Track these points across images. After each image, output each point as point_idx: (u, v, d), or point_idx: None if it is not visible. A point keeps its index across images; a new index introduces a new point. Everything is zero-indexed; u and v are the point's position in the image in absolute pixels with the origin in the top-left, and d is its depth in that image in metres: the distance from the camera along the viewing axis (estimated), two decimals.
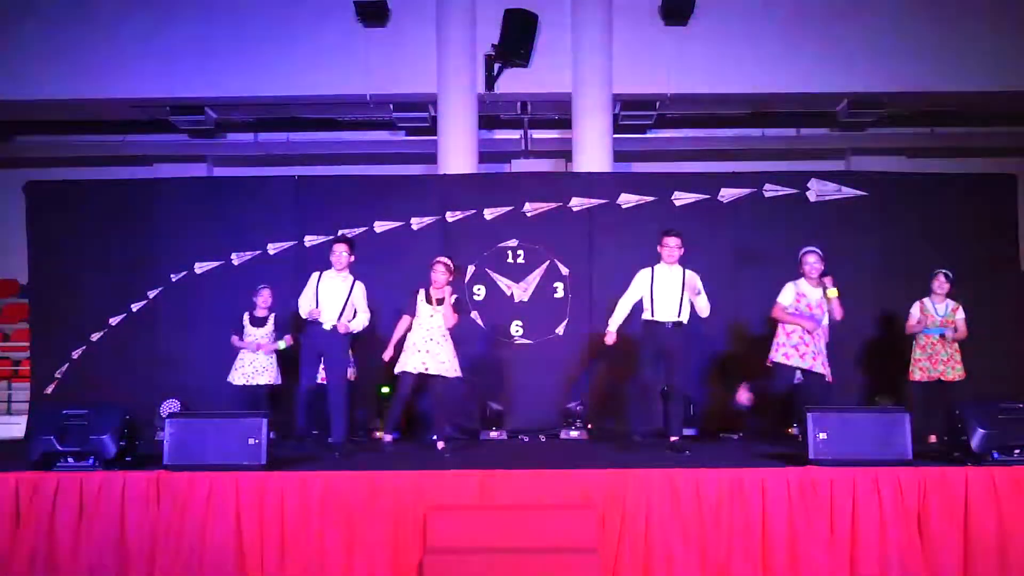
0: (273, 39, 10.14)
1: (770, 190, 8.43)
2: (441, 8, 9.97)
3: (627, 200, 8.41)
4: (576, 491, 5.15)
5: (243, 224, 8.42)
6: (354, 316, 6.67)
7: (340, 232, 7.98)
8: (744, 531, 5.06)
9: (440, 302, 6.57)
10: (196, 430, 5.39)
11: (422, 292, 6.62)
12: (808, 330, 6.33)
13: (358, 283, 6.70)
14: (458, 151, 9.82)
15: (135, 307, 8.41)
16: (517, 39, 9.90)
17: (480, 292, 8.33)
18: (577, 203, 8.42)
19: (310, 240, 8.44)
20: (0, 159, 12.01)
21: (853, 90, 10.26)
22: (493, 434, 7.87)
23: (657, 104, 10.58)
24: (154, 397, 8.03)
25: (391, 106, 10.58)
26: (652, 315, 6.38)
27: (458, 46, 9.95)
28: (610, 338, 6.41)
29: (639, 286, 6.44)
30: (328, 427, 6.65)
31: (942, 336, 6.95)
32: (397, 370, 6.55)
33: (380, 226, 8.41)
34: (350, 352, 7.06)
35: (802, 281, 6.44)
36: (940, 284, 7.09)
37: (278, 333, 7.43)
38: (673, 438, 6.36)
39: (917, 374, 7.02)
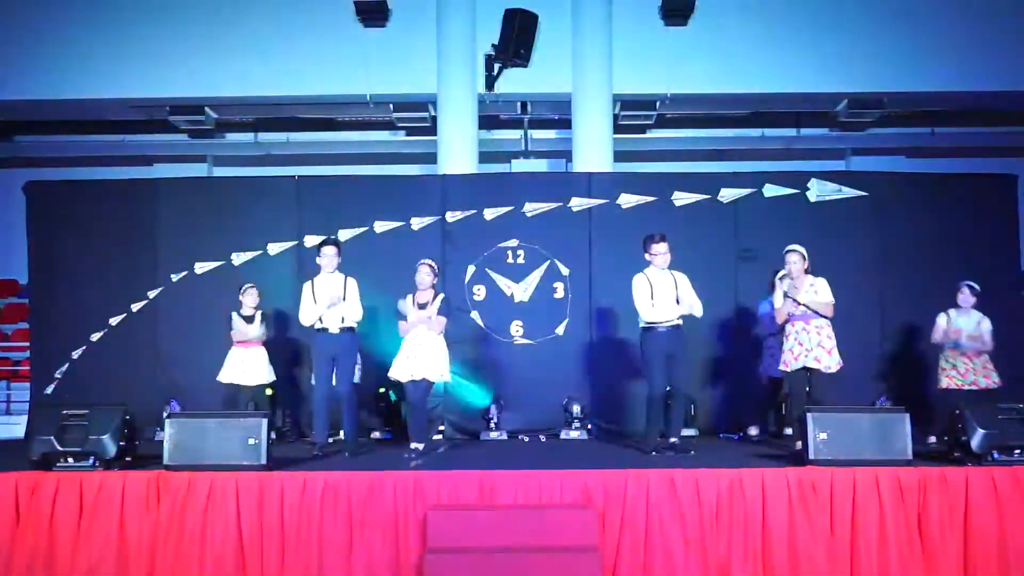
0: (273, 39, 10.13)
1: (770, 190, 8.43)
2: (441, 8, 9.97)
3: (627, 200, 8.40)
4: (576, 491, 5.15)
5: (243, 224, 8.42)
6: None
7: (333, 234, 8.00)
8: (744, 531, 5.06)
9: (424, 306, 6.51)
10: (196, 430, 5.40)
11: (408, 297, 6.58)
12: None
13: (350, 279, 6.67)
14: (458, 151, 9.82)
15: (135, 307, 8.40)
16: (517, 39, 9.89)
17: (480, 292, 8.32)
18: (577, 203, 8.42)
19: (310, 240, 8.43)
20: (0, 159, 12.01)
21: (853, 90, 10.26)
22: (493, 434, 7.87)
23: (657, 104, 10.58)
24: (154, 397, 8.02)
25: (391, 106, 10.58)
26: (653, 321, 6.32)
27: (458, 46, 9.94)
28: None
29: (643, 290, 6.35)
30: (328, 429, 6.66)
31: (955, 347, 6.83)
32: (391, 376, 6.54)
33: (380, 226, 8.41)
34: (358, 355, 7.07)
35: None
36: (964, 297, 6.89)
37: (268, 329, 7.49)
38: (673, 439, 6.35)
39: (944, 382, 6.88)
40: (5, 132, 11.79)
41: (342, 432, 6.75)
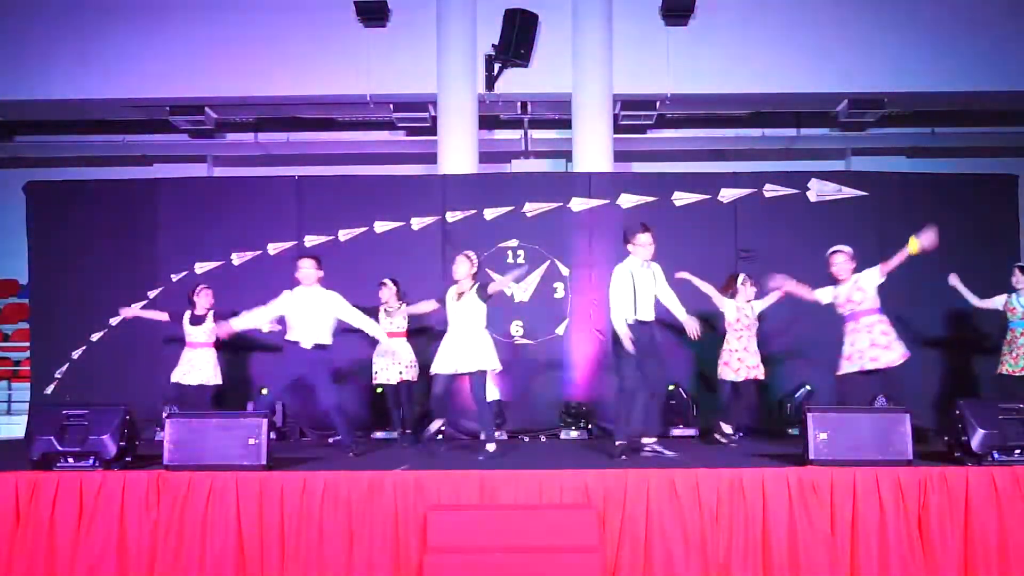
0: (273, 39, 10.14)
1: (770, 190, 8.43)
2: (441, 8, 9.98)
3: (627, 200, 8.41)
4: (576, 491, 5.15)
5: (243, 224, 8.42)
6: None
7: (333, 234, 8.01)
8: (744, 531, 5.06)
9: (464, 295, 6.33)
10: (196, 430, 5.39)
11: (452, 289, 6.38)
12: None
13: (333, 294, 6.42)
14: (458, 151, 9.83)
15: (135, 307, 8.40)
16: (517, 39, 9.90)
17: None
18: (577, 203, 8.42)
19: (310, 240, 8.44)
20: (0, 159, 12.01)
21: (853, 90, 10.26)
22: (495, 432, 7.86)
23: (657, 104, 10.58)
24: (154, 397, 8.02)
25: (391, 106, 10.58)
26: (635, 314, 6.09)
27: (458, 46, 9.95)
28: (630, 344, 6.00)
29: (624, 285, 6.11)
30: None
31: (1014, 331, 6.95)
32: (432, 371, 6.38)
33: (380, 226, 8.42)
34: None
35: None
36: (1018, 279, 7.05)
37: (218, 331, 7.46)
38: (648, 440, 6.24)
39: (1003, 368, 7.03)
40: (5, 132, 11.79)
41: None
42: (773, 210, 8.37)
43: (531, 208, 8.42)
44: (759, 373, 7.16)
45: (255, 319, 6.58)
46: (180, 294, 8.36)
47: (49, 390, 8.36)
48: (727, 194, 8.40)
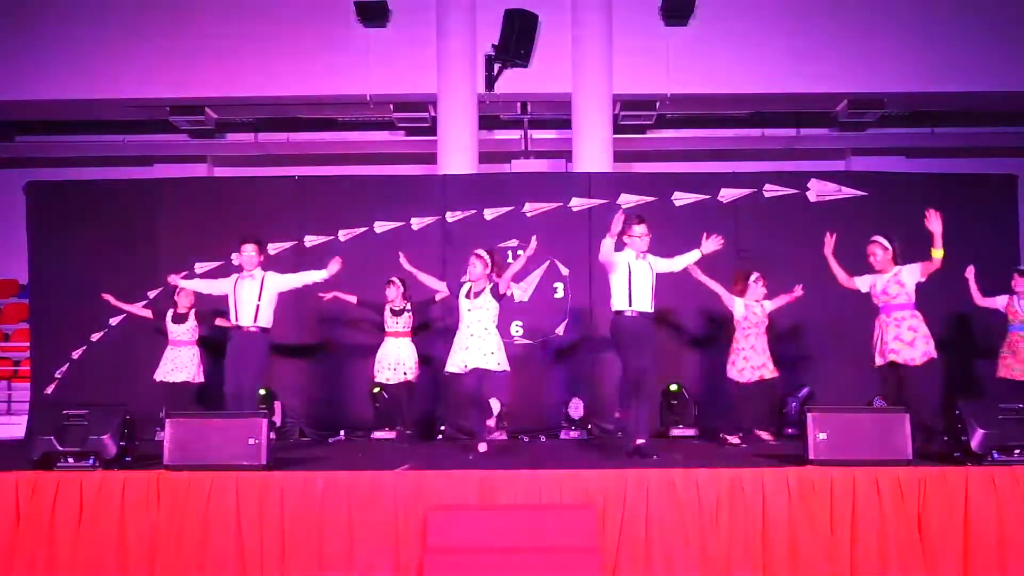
0: (273, 39, 10.13)
1: (770, 190, 8.43)
2: (441, 8, 9.97)
3: (627, 200, 8.41)
4: (576, 491, 5.15)
5: (243, 224, 8.40)
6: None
7: (333, 234, 8.00)
8: (744, 531, 5.06)
9: (479, 294, 6.37)
10: (196, 430, 5.40)
11: (464, 287, 6.42)
12: None
13: (268, 274, 6.60)
14: (458, 151, 9.82)
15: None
16: (517, 39, 9.90)
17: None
18: (577, 203, 8.42)
19: (310, 240, 8.44)
20: (0, 159, 12.01)
21: (853, 90, 10.26)
22: (493, 434, 7.86)
23: (657, 104, 10.58)
24: (154, 397, 8.01)
25: (391, 106, 10.58)
26: (631, 305, 6.07)
27: (458, 46, 9.95)
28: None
29: (620, 270, 6.09)
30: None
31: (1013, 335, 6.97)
32: (448, 370, 6.41)
33: (380, 226, 8.41)
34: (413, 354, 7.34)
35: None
36: (1018, 282, 7.07)
37: (201, 328, 7.67)
38: (639, 440, 6.09)
39: (1002, 371, 7.03)
40: (5, 132, 11.79)
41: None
42: (773, 210, 8.37)
43: (531, 208, 8.42)
44: (767, 372, 7.05)
45: (199, 284, 6.95)
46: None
47: (49, 390, 8.36)
48: (727, 194, 8.40)
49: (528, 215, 8.41)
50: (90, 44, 10.11)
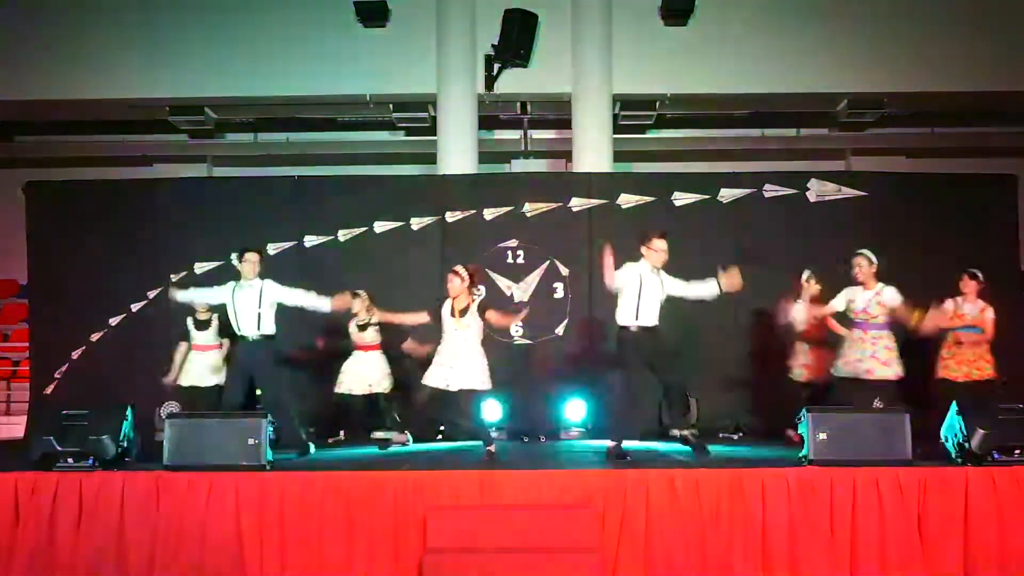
0: (273, 39, 10.13)
1: (770, 190, 8.43)
2: (441, 8, 9.97)
3: (627, 200, 8.41)
4: (576, 491, 5.15)
5: (243, 224, 8.41)
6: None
7: (333, 234, 7.99)
8: (744, 531, 5.06)
9: (464, 312, 6.23)
10: (196, 430, 5.40)
11: (448, 304, 6.28)
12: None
13: (267, 282, 6.48)
14: (458, 151, 9.82)
15: (135, 307, 8.41)
16: (517, 39, 9.89)
17: (480, 292, 8.31)
18: (577, 203, 8.42)
19: (310, 240, 8.44)
20: (0, 159, 12.01)
21: (853, 90, 10.25)
22: (493, 434, 7.85)
23: (657, 104, 10.58)
24: (154, 397, 8.02)
25: (391, 106, 10.58)
26: (637, 319, 6.06)
27: (458, 46, 9.94)
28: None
29: (630, 283, 6.07)
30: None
31: (957, 335, 6.87)
32: (424, 381, 6.29)
33: (380, 226, 8.41)
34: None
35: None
36: (965, 283, 6.91)
37: (222, 334, 7.50)
38: (684, 432, 6.25)
39: (941, 371, 6.90)
40: (5, 132, 11.78)
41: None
42: (773, 210, 8.36)
43: (531, 208, 8.41)
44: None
45: (195, 295, 6.84)
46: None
47: (49, 390, 8.36)
48: (727, 194, 8.40)
49: (528, 215, 8.41)
50: (90, 44, 10.10)
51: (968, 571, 5.03)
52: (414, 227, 8.41)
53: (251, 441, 5.34)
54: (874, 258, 6.42)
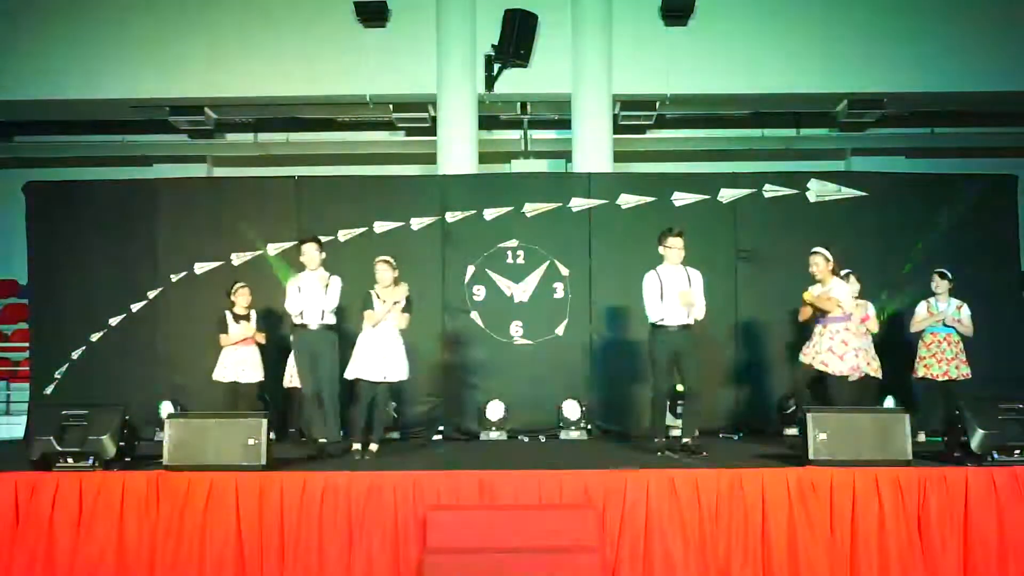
0: (273, 39, 10.14)
1: (770, 190, 8.42)
2: (441, 8, 9.97)
3: (627, 200, 8.40)
4: (576, 491, 5.15)
5: (243, 224, 8.41)
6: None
7: (333, 235, 7.99)
8: (744, 531, 5.06)
9: (396, 301, 6.37)
10: (196, 430, 5.40)
11: (374, 292, 6.37)
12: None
13: (334, 277, 6.51)
14: (458, 151, 9.82)
15: (135, 307, 8.40)
16: (517, 39, 9.90)
17: (480, 292, 8.32)
18: (577, 203, 8.42)
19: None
20: (0, 159, 12.01)
21: (853, 90, 10.26)
22: (493, 434, 7.87)
23: (657, 104, 10.58)
24: (154, 397, 8.02)
25: (391, 106, 10.58)
26: (662, 319, 6.18)
27: (458, 46, 9.94)
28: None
29: (652, 290, 6.20)
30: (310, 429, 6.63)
31: (948, 333, 7.03)
32: (349, 375, 6.34)
33: (380, 226, 8.41)
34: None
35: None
36: (936, 284, 7.16)
37: (260, 327, 7.52)
38: (686, 440, 6.25)
39: (921, 371, 7.09)
40: (5, 132, 11.79)
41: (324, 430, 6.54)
42: (773, 210, 8.36)
43: (531, 208, 8.41)
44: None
45: (292, 305, 6.51)
46: (180, 294, 8.38)
47: (49, 390, 8.35)
48: (727, 194, 8.40)
49: (528, 215, 8.41)
50: (90, 44, 10.11)
51: (968, 571, 5.03)
52: (414, 227, 8.40)
53: (251, 441, 5.34)
54: (829, 255, 6.49)
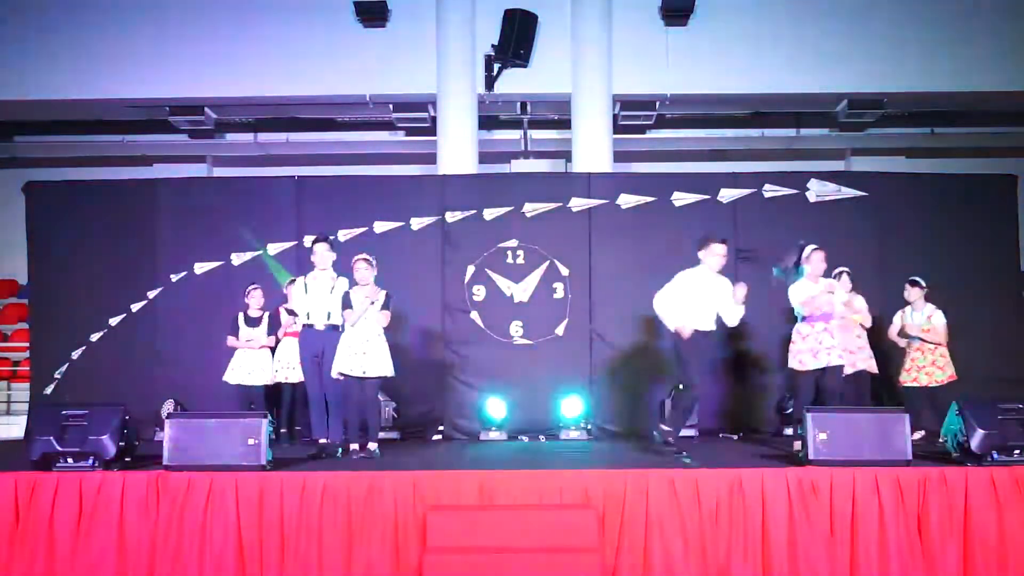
0: (273, 39, 10.14)
1: (770, 190, 8.43)
2: (441, 8, 9.97)
3: (627, 200, 8.40)
4: (576, 491, 5.15)
5: (243, 224, 8.42)
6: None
7: (333, 234, 7.99)
8: (744, 531, 5.06)
9: (372, 301, 6.35)
10: (196, 430, 5.39)
11: (354, 291, 6.34)
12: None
13: (341, 278, 6.49)
14: (458, 151, 9.82)
15: (135, 307, 8.41)
16: (517, 39, 9.90)
17: (480, 292, 8.32)
18: (577, 203, 8.42)
19: (310, 240, 8.42)
20: (0, 159, 12.01)
21: (853, 90, 10.26)
22: (493, 434, 7.87)
23: (657, 104, 10.58)
24: (154, 397, 8.03)
25: (391, 106, 10.58)
26: (697, 323, 6.07)
27: (458, 46, 9.94)
28: (687, 331, 6.03)
29: (686, 289, 6.11)
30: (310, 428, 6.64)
31: (922, 341, 7.11)
32: (333, 373, 6.31)
33: (380, 226, 8.41)
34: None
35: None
36: (908, 292, 7.21)
37: (272, 332, 7.44)
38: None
39: (903, 377, 7.21)
40: (5, 132, 11.78)
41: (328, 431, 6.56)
42: (773, 210, 8.36)
43: (531, 208, 8.41)
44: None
45: (299, 306, 6.59)
46: (180, 294, 8.39)
47: (49, 390, 8.36)
48: (727, 194, 8.40)
49: (528, 215, 8.41)
50: (90, 44, 10.11)
51: (968, 571, 5.03)
52: (414, 227, 8.41)
53: (251, 441, 5.34)
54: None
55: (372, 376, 6.27)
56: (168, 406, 7.90)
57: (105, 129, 11.62)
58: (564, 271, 8.35)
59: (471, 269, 8.33)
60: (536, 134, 11.65)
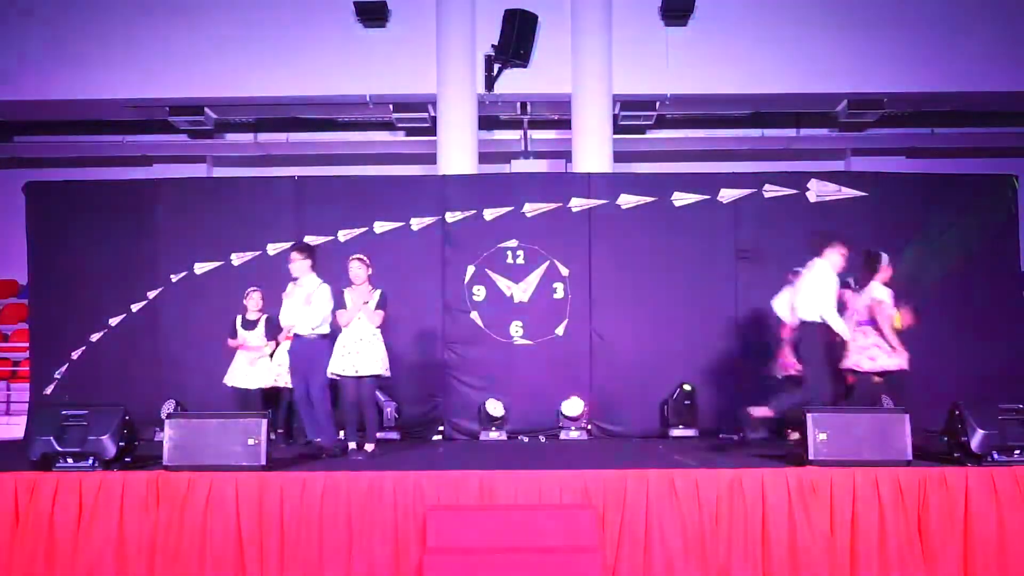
0: (273, 39, 10.13)
1: (770, 190, 8.42)
2: (441, 8, 9.97)
3: (627, 200, 8.40)
4: (576, 491, 5.15)
5: (243, 224, 8.42)
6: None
7: (333, 234, 7.99)
8: (744, 531, 5.06)
9: (366, 300, 6.37)
10: (196, 431, 5.40)
11: (349, 290, 6.37)
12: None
13: (322, 287, 6.36)
14: (458, 151, 9.81)
15: (135, 307, 8.41)
16: (517, 39, 9.89)
17: (480, 292, 8.32)
18: (577, 203, 8.42)
19: (310, 240, 8.41)
20: (0, 159, 12.01)
21: (853, 90, 10.25)
22: (493, 434, 7.87)
23: (657, 104, 10.58)
24: (154, 397, 8.03)
25: (391, 106, 10.57)
26: (810, 315, 6.16)
27: (458, 46, 9.94)
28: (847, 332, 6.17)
29: (830, 282, 6.20)
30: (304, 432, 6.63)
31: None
32: (328, 374, 6.31)
33: (380, 226, 8.41)
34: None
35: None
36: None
37: (270, 335, 7.37)
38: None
39: (844, 362, 6.80)
40: (5, 132, 11.78)
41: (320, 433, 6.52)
42: (773, 210, 8.36)
43: (531, 208, 8.41)
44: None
45: (286, 316, 6.53)
46: (180, 295, 8.39)
47: (49, 390, 8.36)
48: (727, 194, 8.40)
49: (528, 215, 8.41)
50: (89, 44, 10.10)
51: (968, 571, 5.03)
52: (414, 227, 8.41)
53: (251, 441, 5.34)
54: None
55: (365, 375, 6.27)
56: (168, 406, 7.90)
57: (105, 129, 11.62)
58: (564, 271, 8.34)
59: (471, 269, 8.32)
60: (536, 134, 11.65)
